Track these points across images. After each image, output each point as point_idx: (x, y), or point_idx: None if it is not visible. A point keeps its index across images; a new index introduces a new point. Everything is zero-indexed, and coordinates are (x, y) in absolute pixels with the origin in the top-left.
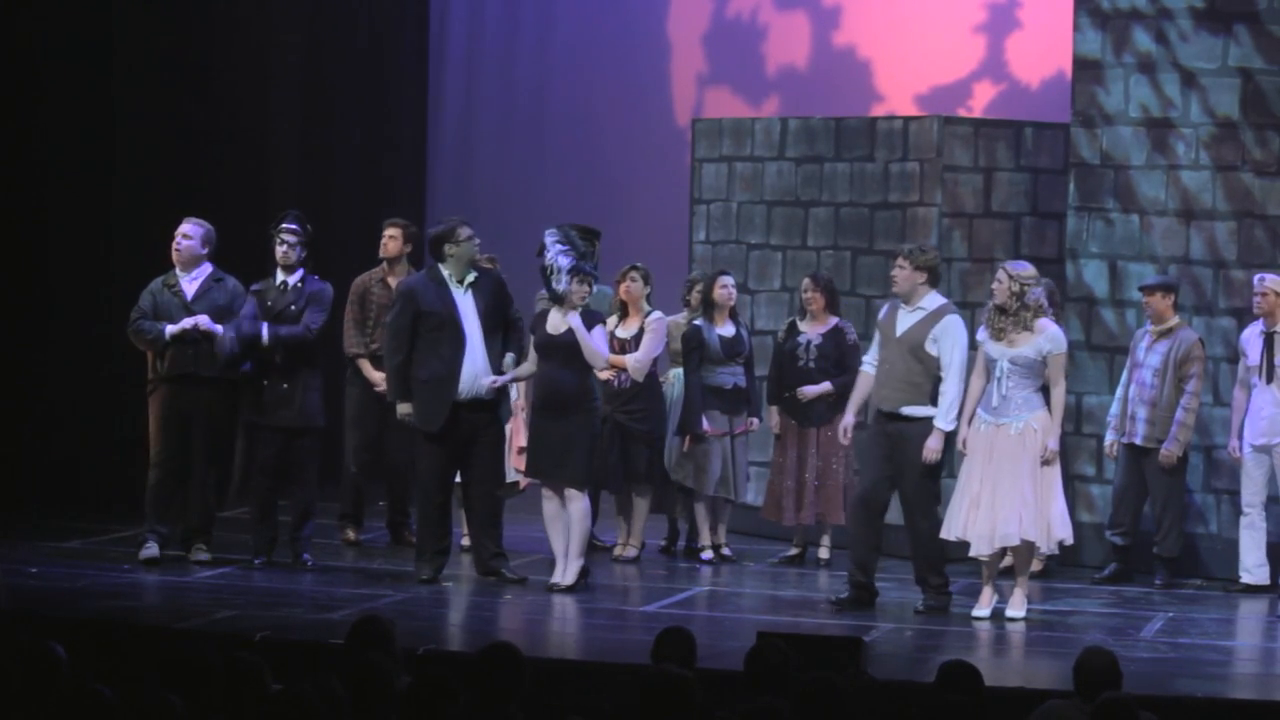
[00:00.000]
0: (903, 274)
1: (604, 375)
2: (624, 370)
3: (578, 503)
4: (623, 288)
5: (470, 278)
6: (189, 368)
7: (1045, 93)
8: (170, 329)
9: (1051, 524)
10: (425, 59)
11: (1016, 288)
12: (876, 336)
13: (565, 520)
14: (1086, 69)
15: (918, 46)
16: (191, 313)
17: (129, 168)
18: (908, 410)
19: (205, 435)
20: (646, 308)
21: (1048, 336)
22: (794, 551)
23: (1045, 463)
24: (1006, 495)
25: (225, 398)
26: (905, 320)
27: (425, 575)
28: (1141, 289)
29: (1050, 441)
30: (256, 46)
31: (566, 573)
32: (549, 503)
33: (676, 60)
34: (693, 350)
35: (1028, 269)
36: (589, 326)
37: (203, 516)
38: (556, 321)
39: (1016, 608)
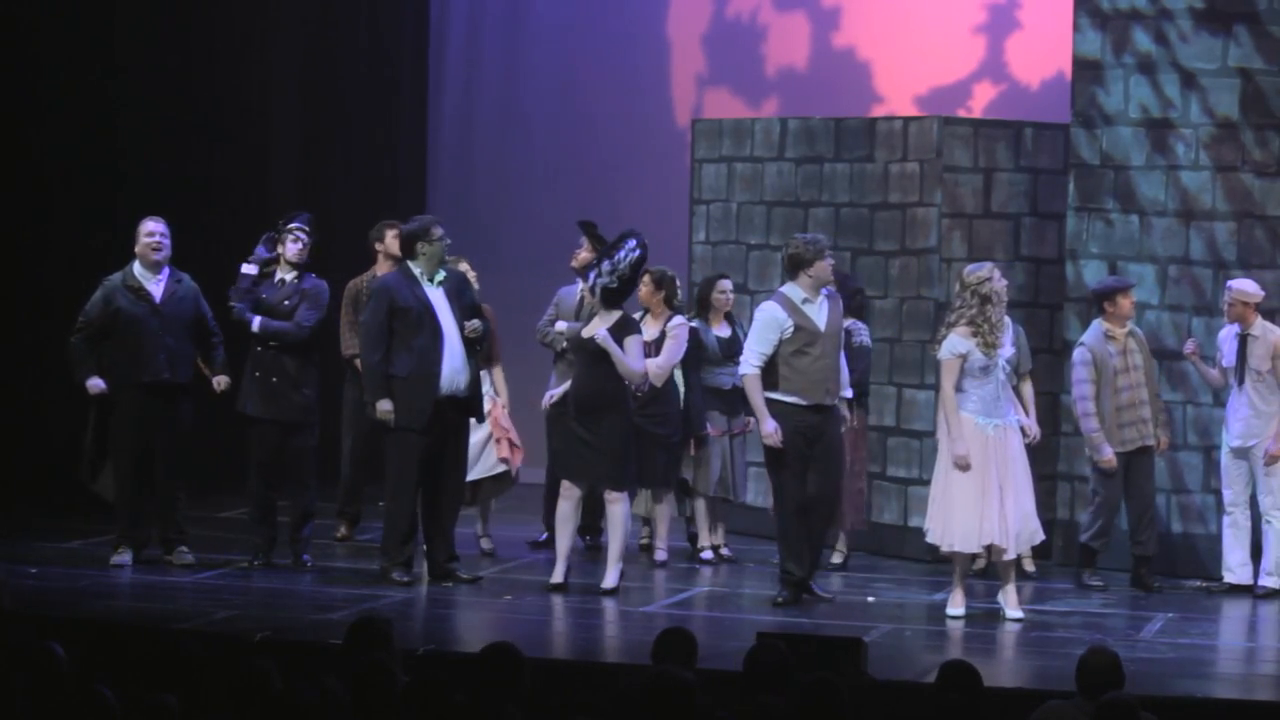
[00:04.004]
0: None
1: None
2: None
3: (619, 505)
4: (644, 292)
5: (440, 275)
6: (163, 374)
7: (1045, 93)
8: (92, 385)
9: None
10: (425, 59)
11: (969, 292)
12: (781, 335)
13: (576, 521)
14: (1086, 69)
15: (918, 47)
16: (161, 316)
17: (128, 168)
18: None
19: (172, 439)
20: (668, 311)
21: (1017, 331)
22: None
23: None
24: (1024, 493)
25: (188, 401)
26: (820, 312)
27: (404, 578)
28: (1118, 291)
29: (1036, 429)
30: (256, 46)
31: (608, 576)
32: (564, 502)
33: (676, 60)
34: (691, 352)
35: (980, 269)
36: (626, 333)
37: (180, 520)
38: (593, 325)
39: (1018, 607)
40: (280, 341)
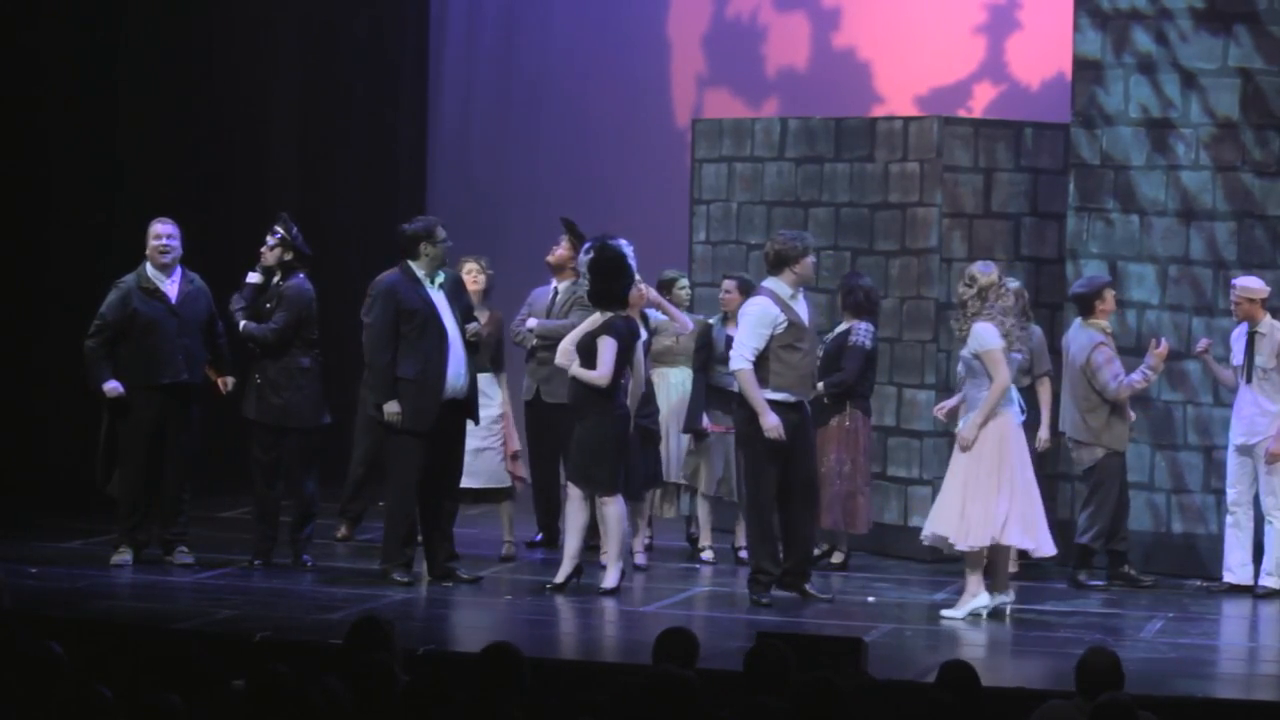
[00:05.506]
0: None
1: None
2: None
3: (608, 508)
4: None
5: (439, 277)
6: (181, 375)
7: (1045, 93)
8: (110, 389)
9: (970, 526)
10: (425, 58)
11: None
12: (773, 330)
13: (582, 520)
14: (1086, 69)
15: (918, 47)
16: (178, 317)
17: (129, 167)
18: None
19: (185, 440)
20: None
21: (972, 335)
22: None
23: (962, 449)
24: (957, 497)
25: (198, 402)
26: (803, 308)
27: (404, 579)
28: (1105, 286)
29: (961, 428)
30: (256, 47)
31: (608, 576)
32: (571, 503)
33: (676, 60)
34: (700, 349)
35: (988, 271)
36: (598, 335)
37: (182, 521)
38: (590, 322)
39: (957, 606)
40: (254, 344)
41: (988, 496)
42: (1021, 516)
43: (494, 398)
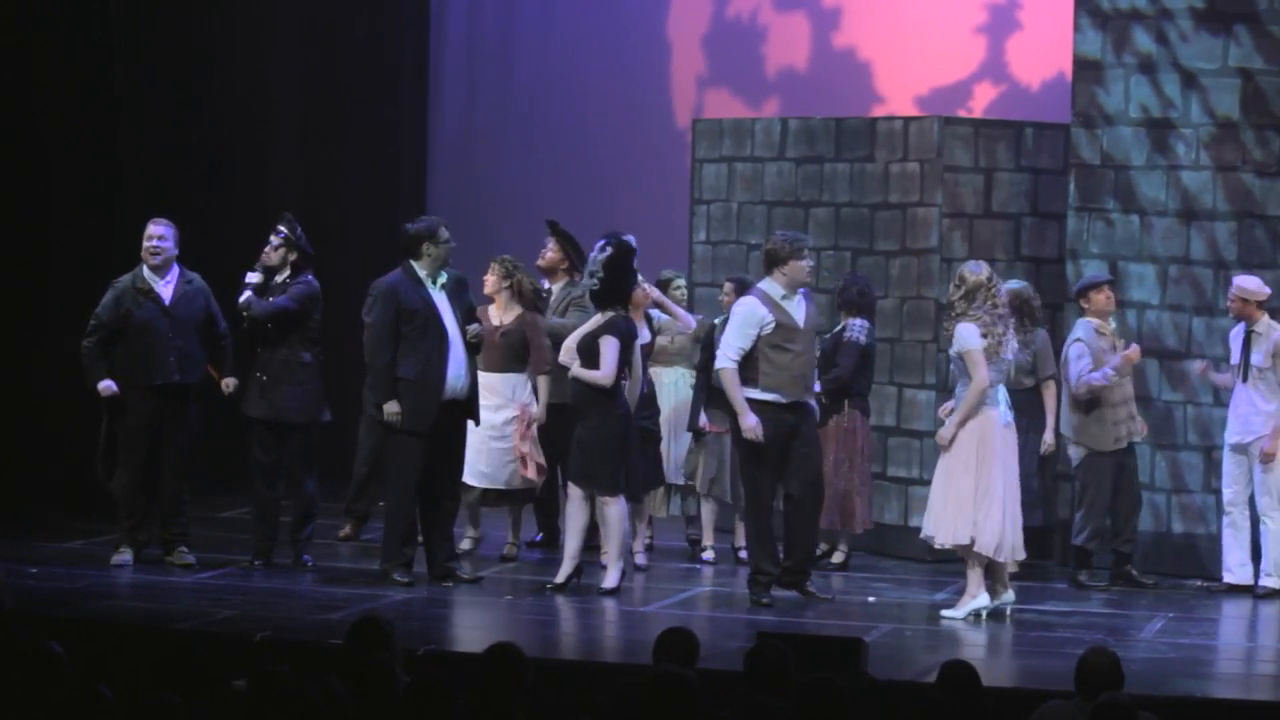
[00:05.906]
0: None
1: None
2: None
3: (609, 508)
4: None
5: (441, 278)
6: (173, 376)
7: (1045, 93)
8: (104, 388)
9: (941, 522)
10: (425, 59)
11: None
12: (760, 331)
13: (582, 520)
14: (1086, 69)
15: (918, 47)
16: (171, 318)
17: (129, 167)
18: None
19: (181, 441)
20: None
21: (954, 335)
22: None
23: (940, 447)
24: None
25: (196, 402)
26: (799, 309)
27: (405, 579)
28: (1091, 287)
29: (943, 429)
30: (257, 49)
31: (608, 576)
32: (571, 503)
33: (676, 61)
34: (704, 349)
35: (977, 272)
36: (601, 334)
37: (182, 521)
38: (591, 323)
39: (957, 606)
40: (248, 315)
41: (962, 496)
42: (995, 520)
43: (513, 399)
